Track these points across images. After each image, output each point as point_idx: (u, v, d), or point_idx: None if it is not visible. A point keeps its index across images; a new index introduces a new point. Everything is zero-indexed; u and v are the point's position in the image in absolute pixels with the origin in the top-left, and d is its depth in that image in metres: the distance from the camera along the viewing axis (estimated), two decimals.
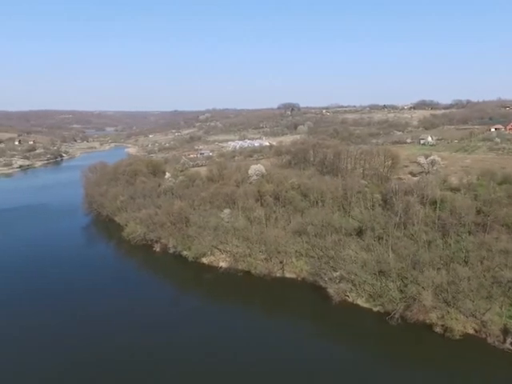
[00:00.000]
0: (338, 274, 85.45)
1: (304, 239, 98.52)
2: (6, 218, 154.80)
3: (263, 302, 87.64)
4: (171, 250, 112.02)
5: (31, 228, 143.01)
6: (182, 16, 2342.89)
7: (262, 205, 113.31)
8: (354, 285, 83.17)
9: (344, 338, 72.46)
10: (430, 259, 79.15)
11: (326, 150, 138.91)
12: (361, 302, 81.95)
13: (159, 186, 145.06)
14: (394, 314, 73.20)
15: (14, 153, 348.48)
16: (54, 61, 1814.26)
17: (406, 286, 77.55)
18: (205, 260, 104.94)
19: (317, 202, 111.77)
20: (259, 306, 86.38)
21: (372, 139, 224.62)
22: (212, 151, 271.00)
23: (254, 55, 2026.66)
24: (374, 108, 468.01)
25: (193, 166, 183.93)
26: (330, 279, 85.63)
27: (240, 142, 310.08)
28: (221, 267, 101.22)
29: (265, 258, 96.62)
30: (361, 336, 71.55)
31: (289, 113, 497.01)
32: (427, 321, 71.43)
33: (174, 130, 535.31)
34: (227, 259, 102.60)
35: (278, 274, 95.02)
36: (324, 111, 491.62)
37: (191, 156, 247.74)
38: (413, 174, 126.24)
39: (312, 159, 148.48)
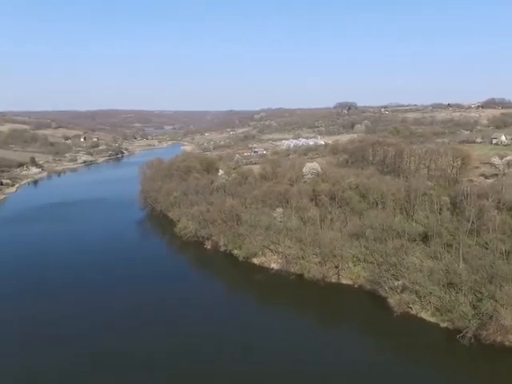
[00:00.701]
0: (400, 283, 77.86)
1: (362, 243, 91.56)
2: (69, 210, 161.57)
3: (317, 309, 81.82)
4: (222, 249, 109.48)
5: (90, 220, 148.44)
6: (233, 16, 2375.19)
7: (316, 205, 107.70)
8: (419, 296, 75.18)
9: (408, 355, 65.24)
10: (510, 272, 69.45)
11: (387, 149, 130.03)
12: (426, 315, 73.88)
13: (212, 182, 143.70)
14: (466, 332, 64.64)
15: (79, 149, 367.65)
16: (119, 62, 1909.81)
17: (479, 301, 68.49)
18: (256, 260, 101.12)
19: (376, 204, 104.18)
20: (312, 312, 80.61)
21: (436, 138, 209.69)
22: (266, 149, 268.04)
23: (308, 55, 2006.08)
24: (436, 107, 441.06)
25: (246, 164, 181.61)
26: (391, 288, 78.26)
27: (294, 141, 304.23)
28: (272, 269, 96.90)
29: (319, 262, 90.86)
30: (427, 354, 63.91)
31: (345, 112, 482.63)
32: (506, 343, 62.40)
33: (229, 129, 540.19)
34: (279, 260, 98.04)
35: (332, 280, 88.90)
36: (383, 110, 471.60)
37: (245, 154, 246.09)
38: (485, 176, 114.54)
39: (371, 158, 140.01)
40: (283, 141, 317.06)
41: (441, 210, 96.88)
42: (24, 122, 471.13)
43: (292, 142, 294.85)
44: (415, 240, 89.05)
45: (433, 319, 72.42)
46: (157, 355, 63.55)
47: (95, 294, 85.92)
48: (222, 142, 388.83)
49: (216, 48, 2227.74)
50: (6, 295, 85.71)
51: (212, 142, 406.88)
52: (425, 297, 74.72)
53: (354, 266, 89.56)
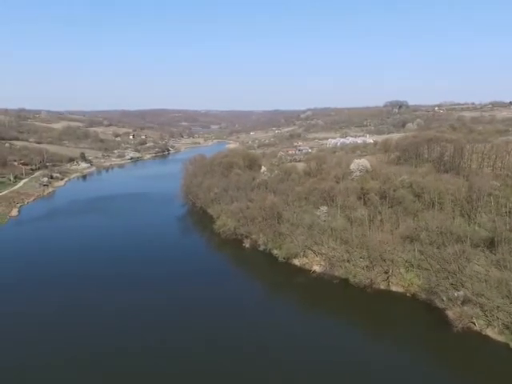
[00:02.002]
0: (460, 293, 68.19)
1: (416, 247, 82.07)
2: (113, 204, 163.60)
3: (364, 318, 73.51)
4: (261, 248, 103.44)
5: (132, 215, 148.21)
6: (281, 17, 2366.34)
7: (364, 204, 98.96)
8: (484, 310, 65.31)
9: (472, 379, 55.93)
10: None
11: (446, 145, 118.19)
12: (492, 332, 63.92)
13: (253, 179, 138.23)
14: None
15: (128, 146, 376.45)
16: (169, 64, 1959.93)
17: None
18: (296, 261, 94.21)
19: (433, 204, 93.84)
20: (359, 321, 72.36)
21: (499, 136, 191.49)
22: (311, 148, 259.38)
23: (358, 55, 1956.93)
24: (497, 105, 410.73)
25: (290, 161, 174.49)
26: (450, 299, 68.76)
27: (341, 139, 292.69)
28: (314, 271, 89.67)
29: (366, 266, 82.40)
30: (495, 380, 54.35)
31: (396, 110, 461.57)
32: None
33: (274, 128, 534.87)
34: (322, 263, 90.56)
35: (381, 286, 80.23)
36: (436, 108, 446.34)
37: (290, 152, 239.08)
38: None
39: (426, 156, 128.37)
40: (330, 139, 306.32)
41: (509, 213, 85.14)
42: (78, 120, 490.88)
43: (339, 141, 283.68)
44: (478, 246, 78.49)
45: (501, 338, 62.47)
46: (194, 358, 59.27)
47: (134, 288, 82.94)
48: (267, 141, 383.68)
49: (264, 49, 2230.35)
50: (54, 286, 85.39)
51: (257, 141, 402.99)
52: (491, 311, 64.76)
53: (407, 272, 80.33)
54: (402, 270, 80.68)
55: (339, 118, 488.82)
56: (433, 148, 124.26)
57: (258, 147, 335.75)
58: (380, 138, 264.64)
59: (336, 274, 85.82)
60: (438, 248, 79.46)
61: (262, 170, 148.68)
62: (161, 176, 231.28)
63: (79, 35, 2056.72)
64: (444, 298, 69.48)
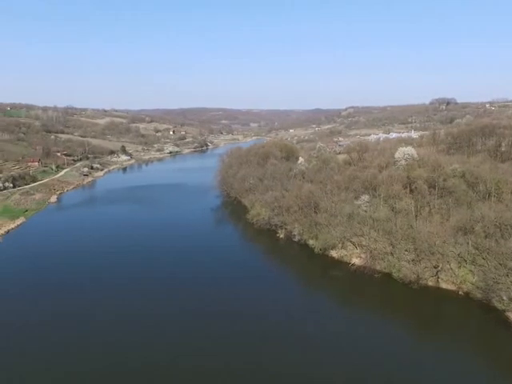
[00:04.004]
0: None
1: (470, 241, 72.99)
2: (149, 195, 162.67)
3: (410, 316, 65.70)
4: (296, 238, 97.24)
5: (169, 204, 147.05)
6: (327, 19, 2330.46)
7: (411, 193, 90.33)
8: None
9: None
10: None
11: (504, 131, 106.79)
12: None
13: (290, 170, 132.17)
14: None
15: (168, 140, 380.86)
16: (213, 64, 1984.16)
17: None
18: (334, 253, 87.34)
19: (489, 195, 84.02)
20: (404, 320, 64.69)
21: None
22: (352, 143, 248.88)
23: (406, 53, 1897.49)
24: None
25: (329, 153, 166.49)
26: (511, 299, 59.90)
27: (384, 135, 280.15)
28: (353, 264, 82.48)
29: (412, 260, 74.19)
30: None
31: (443, 107, 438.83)
32: None
33: (314, 126, 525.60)
34: (362, 255, 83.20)
35: (429, 283, 71.90)
36: (488, 105, 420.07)
37: (329, 146, 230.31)
38: None
39: (480, 146, 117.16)
40: (372, 135, 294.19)
41: None
42: (121, 117, 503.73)
43: (382, 136, 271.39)
44: None
45: None
46: (234, 356, 54.22)
47: (168, 278, 78.78)
48: (306, 137, 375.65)
49: (304, 49, 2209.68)
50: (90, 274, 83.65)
51: (296, 137, 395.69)
52: None
53: (459, 267, 71.49)
54: (454, 266, 71.90)
55: (382, 115, 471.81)
56: (488, 136, 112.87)
57: (297, 143, 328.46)
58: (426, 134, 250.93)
59: (378, 267, 78.33)
60: (496, 242, 70.13)
61: (299, 161, 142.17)
62: (198, 169, 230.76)
63: (134, 40, 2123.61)
64: (504, 298, 60.66)
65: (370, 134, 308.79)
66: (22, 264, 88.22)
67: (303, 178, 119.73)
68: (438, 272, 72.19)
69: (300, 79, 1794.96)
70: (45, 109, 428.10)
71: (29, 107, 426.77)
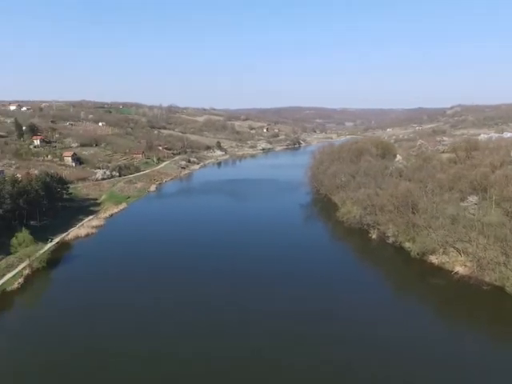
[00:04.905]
0: None
1: None
2: (241, 188, 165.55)
3: None
4: (390, 240, 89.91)
5: (259, 198, 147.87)
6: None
7: None
8: None
9: None
10: None
11: None
12: None
13: (386, 168, 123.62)
14: None
15: (261, 138, 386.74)
16: (305, 62, 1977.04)
17: None
18: (433, 259, 78.61)
19: None
20: None
21: None
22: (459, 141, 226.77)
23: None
24: None
25: (431, 152, 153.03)
26: None
27: (496, 135, 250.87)
28: (456, 272, 73.24)
29: None
30: None
31: None
32: None
33: (414, 125, 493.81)
34: (467, 263, 73.53)
35: None
36: None
37: (431, 145, 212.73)
38: None
39: None
40: (482, 135, 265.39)
41: None
42: (219, 115, 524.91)
43: (493, 136, 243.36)
44: None
45: None
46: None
47: (252, 274, 76.68)
48: (405, 137, 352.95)
49: (405, 45, 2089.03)
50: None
51: (394, 137, 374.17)
52: None
53: None
54: None
55: (495, 113, 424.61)
56: None
57: (395, 142, 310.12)
58: None
59: (486, 278, 68.37)
60: None
61: (396, 159, 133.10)
62: (289, 165, 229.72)
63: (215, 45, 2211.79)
64: None
65: (479, 134, 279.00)
66: (119, 244, 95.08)
67: (400, 176, 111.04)
68: None
69: (400, 76, 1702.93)
70: (151, 107, 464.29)
71: (138, 105, 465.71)
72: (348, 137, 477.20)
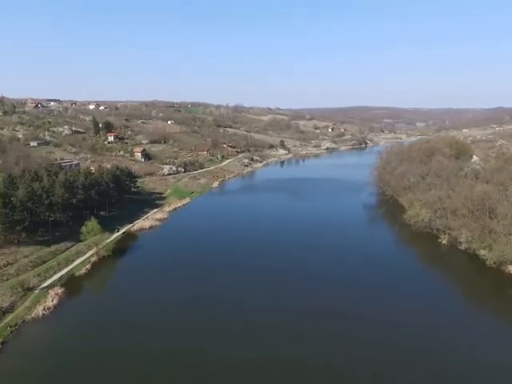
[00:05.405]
0: None
1: None
2: (304, 187, 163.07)
3: None
4: (462, 246, 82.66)
5: (321, 198, 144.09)
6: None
7: None
8: None
9: None
10: None
11: None
12: None
13: (460, 169, 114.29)
14: None
15: (325, 137, 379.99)
16: (374, 60, 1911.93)
17: None
18: None
19: None
20: None
21: None
22: None
23: None
24: None
25: None
26: None
27: None
28: None
29: None
30: None
31: None
32: None
33: (494, 125, 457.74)
34: None
35: None
36: None
37: None
38: None
39: None
40: None
41: None
42: (283, 114, 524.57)
43: None
44: None
45: None
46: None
47: (309, 276, 73.79)
48: (484, 138, 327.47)
49: (486, 40, 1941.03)
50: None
51: (470, 138, 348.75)
52: None
53: None
54: None
55: None
56: None
57: (472, 143, 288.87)
58: None
59: None
60: None
61: (473, 160, 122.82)
62: (353, 165, 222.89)
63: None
64: None
65: None
66: (180, 238, 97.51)
67: (476, 178, 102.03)
68: None
69: (478, 73, 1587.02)
70: (218, 106, 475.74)
71: (205, 105, 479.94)
72: (418, 137, 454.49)
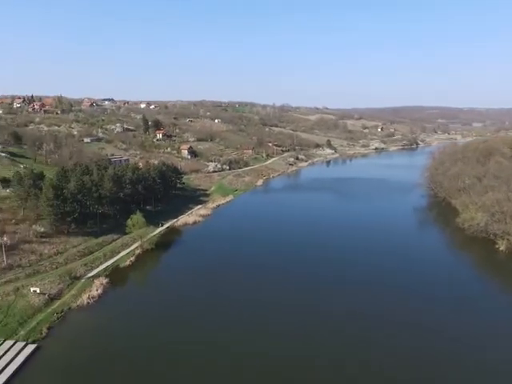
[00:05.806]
0: None
1: None
2: (350, 188, 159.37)
3: None
4: None
5: (368, 199, 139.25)
6: None
7: None
8: None
9: None
10: None
11: None
12: None
13: None
14: None
15: (374, 137, 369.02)
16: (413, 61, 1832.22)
17: None
18: None
19: None
20: None
21: None
22: None
23: None
24: None
25: None
26: None
27: None
28: None
29: None
30: None
31: None
32: None
33: None
34: None
35: None
36: None
37: None
38: None
39: None
40: None
41: None
42: (331, 114, 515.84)
43: None
44: None
45: None
46: None
47: (357, 281, 70.58)
48: None
49: None
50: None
51: None
52: None
53: None
54: None
55: None
56: None
57: None
58: None
59: None
60: None
61: None
62: (403, 166, 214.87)
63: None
64: None
65: None
66: (221, 234, 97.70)
67: None
68: None
69: None
70: (264, 106, 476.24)
71: (252, 104, 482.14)
72: (475, 138, 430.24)
